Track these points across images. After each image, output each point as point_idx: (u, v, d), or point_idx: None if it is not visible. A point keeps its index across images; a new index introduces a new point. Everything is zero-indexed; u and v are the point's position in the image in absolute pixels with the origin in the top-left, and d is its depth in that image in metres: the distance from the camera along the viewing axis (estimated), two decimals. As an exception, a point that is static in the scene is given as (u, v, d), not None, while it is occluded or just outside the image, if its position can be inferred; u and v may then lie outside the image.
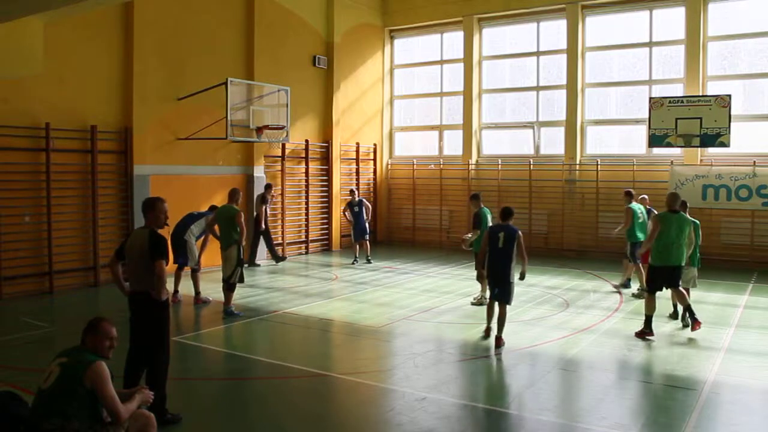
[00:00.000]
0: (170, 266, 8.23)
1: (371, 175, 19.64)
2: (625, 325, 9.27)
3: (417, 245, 18.93)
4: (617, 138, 17.16)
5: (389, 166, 20.15)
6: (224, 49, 14.93)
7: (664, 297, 9.37)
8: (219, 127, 13.55)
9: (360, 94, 19.12)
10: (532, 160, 17.50)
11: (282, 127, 14.59)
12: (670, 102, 14.98)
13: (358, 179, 18.89)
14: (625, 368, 7.51)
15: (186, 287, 11.02)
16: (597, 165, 16.55)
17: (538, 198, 17.32)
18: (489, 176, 18.19)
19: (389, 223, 19.99)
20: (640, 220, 11.59)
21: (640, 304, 10.54)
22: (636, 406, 6.37)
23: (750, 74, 15.42)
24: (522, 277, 8.48)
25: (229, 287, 9.88)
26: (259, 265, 14.93)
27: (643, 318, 8.66)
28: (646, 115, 15.29)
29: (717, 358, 7.72)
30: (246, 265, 13.89)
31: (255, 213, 15.06)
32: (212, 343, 8.77)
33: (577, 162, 16.92)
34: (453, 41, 19.20)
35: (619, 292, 11.74)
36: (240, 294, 10.72)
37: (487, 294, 10.47)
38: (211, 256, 12.35)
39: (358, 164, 19.00)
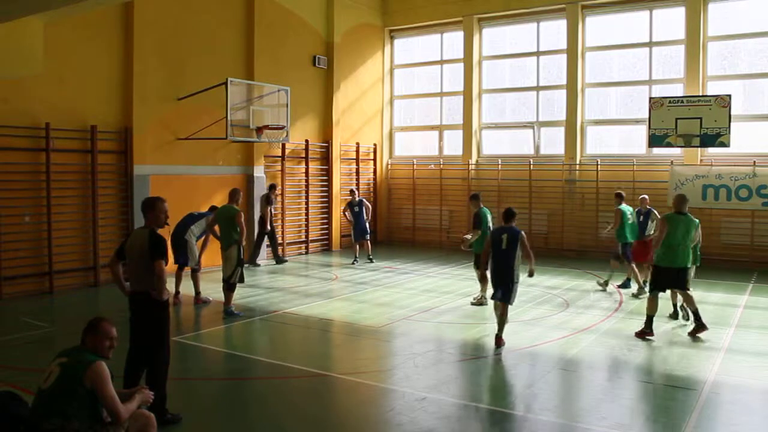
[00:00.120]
0: (170, 266, 8.24)
1: (371, 175, 19.64)
2: (625, 325, 9.27)
3: (417, 245, 18.93)
4: (617, 138, 17.15)
5: (389, 166, 20.15)
6: (224, 49, 14.93)
7: (665, 297, 9.35)
8: (219, 127, 13.55)
9: (360, 94, 19.12)
10: (532, 160, 17.50)
11: (282, 127, 14.59)
12: (670, 102, 14.98)
13: (358, 179, 18.89)
14: (625, 368, 7.50)
15: (186, 287, 11.01)
16: (597, 165, 16.56)
17: (538, 198, 17.32)
18: (489, 176, 18.19)
19: (389, 223, 19.99)
20: (630, 222, 11.83)
21: (640, 304, 10.56)
22: (636, 406, 6.37)
23: (750, 74, 15.42)
24: (531, 275, 8.55)
25: (229, 287, 9.88)
26: (259, 265, 14.93)
27: (644, 318, 8.66)
28: (646, 115, 15.29)
29: (717, 358, 7.72)
30: (247, 265, 13.94)
31: (260, 214, 15.09)
32: (212, 343, 8.77)
33: (577, 162, 16.93)
34: (453, 41, 19.20)
35: (604, 289, 11.87)
36: (240, 294, 10.71)
37: (488, 294, 10.50)
38: (212, 256, 12.35)
39: (358, 164, 19.00)
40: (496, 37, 18.66)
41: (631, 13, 16.64)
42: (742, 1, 15.52)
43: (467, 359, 7.88)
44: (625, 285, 12.09)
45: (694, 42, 15.50)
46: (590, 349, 8.15)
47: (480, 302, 10.55)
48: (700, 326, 8.59)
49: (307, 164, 17.23)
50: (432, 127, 19.81)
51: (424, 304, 10.78)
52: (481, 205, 10.98)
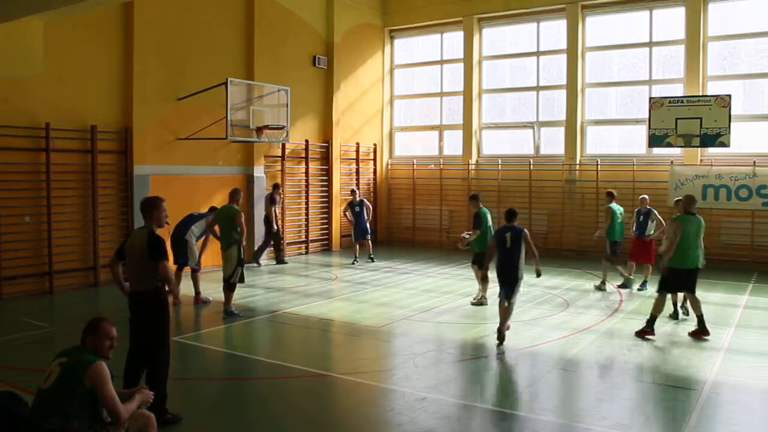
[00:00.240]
0: (170, 267, 8.23)
1: (371, 175, 19.63)
2: (625, 325, 9.26)
3: (417, 245, 18.92)
4: (617, 138, 17.15)
5: (389, 166, 20.15)
6: (224, 49, 14.93)
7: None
8: (219, 127, 13.55)
9: (360, 94, 19.12)
10: (532, 160, 17.50)
11: (282, 127, 14.58)
12: (670, 102, 14.98)
13: (358, 179, 18.89)
14: (625, 368, 7.50)
15: (186, 287, 11.01)
16: (597, 165, 16.55)
17: (538, 198, 17.32)
18: (489, 176, 18.19)
19: (389, 223, 19.99)
20: (620, 220, 12.09)
21: (641, 304, 10.58)
22: (636, 406, 6.36)
23: (750, 74, 15.42)
24: (538, 275, 8.57)
25: (229, 287, 9.89)
26: (259, 265, 14.93)
27: (646, 317, 8.64)
28: (646, 115, 15.29)
29: (717, 358, 7.72)
30: (255, 265, 13.91)
31: (265, 213, 15.09)
32: (212, 343, 8.77)
33: (577, 162, 16.92)
34: (453, 41, 19.20)
35: (603, 290, 11.97)
36: (240, 294, 10.71)
37: (488, 294, 10.51)
38: (212, 256, 12.35)
39: (358, 164, 19.00)
40: (496, 37, 18.66)
41: (631, 13, 16.64)
42: (742, 1, 15.52)
43: (467, 359, 7.88)
44: (625, 285, 12.10)
45: (694, 42, 15.50)
46: (590, 349, 8.15)
47: (480, 302, 10.55)
48: (702, 331, 8.57)
49: (307, 164, 17.23)
50: (432, 127, 19.81)
51: (424, 304, 10.78)
52: (481, 206, 10.99)
